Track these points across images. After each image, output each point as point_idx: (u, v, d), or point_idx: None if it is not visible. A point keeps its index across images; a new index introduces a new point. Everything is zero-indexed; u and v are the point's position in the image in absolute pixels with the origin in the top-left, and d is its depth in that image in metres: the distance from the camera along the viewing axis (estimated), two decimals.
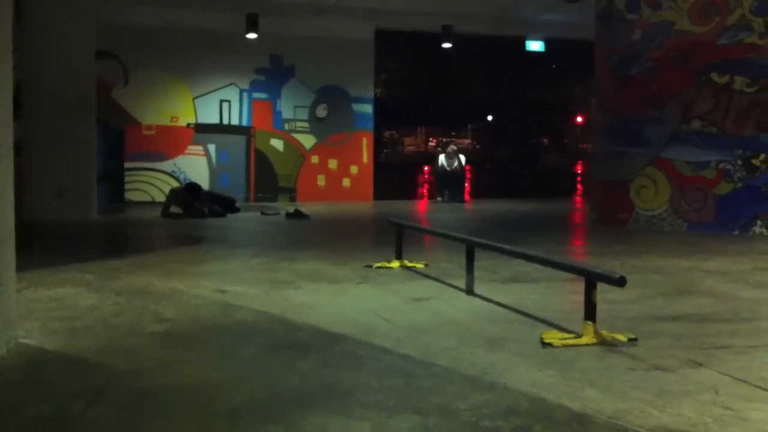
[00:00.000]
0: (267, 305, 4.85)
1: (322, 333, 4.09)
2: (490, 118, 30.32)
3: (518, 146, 26.34)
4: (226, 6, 16.25)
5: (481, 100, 26.85)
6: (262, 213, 13.96)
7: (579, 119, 27.98)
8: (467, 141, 28.63)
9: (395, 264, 6.59)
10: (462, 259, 5.39)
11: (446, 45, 18.08)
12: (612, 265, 6.71)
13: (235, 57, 17.80)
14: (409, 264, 6.61)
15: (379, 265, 6.58)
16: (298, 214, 12.90)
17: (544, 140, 28.76)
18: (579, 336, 3.85)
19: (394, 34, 19.29)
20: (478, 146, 28.69)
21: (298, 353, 3.64)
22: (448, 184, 18.93)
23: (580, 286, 5.18)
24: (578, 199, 20.60)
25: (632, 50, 10.61)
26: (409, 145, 33.59)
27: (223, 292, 5.35)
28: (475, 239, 5.46)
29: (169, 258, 7.43)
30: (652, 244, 8.66)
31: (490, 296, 5.11)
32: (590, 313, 3.84)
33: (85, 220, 11.79)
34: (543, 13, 16.98)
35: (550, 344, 3.76)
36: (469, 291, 5.21)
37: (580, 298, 4.99)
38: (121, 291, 5.36)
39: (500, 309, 4.77)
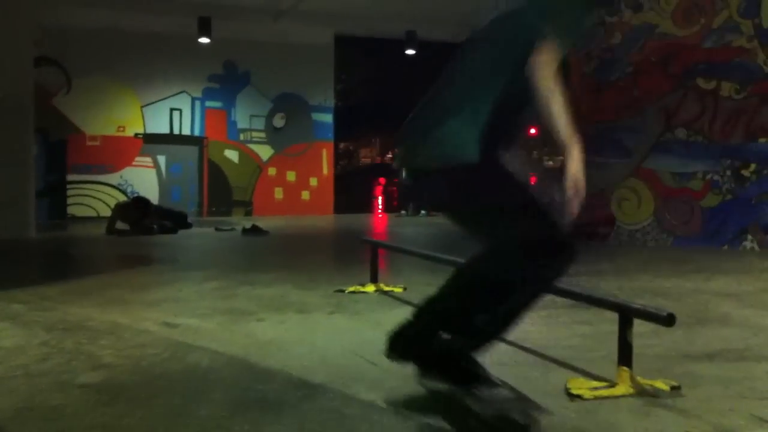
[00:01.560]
0: (226, 344, 4.09)
1: (296, 382, 3.34)
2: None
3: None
4: (176, 8, 15.37)
5: None
6: (217, 229, 13.19)
7: (532, 131, 27.66)
8: None
9: (370, 288, 5.87)
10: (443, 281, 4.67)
11: (410, 51, 17.40)
12: (609, 287, 6.07)
13: (186, 63, 16.96)
14: (386, 288, 5.89)
15: (352, 289, 5.86)
16: (255, 230, 12.17)
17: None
18: (612, 384, 3.15)
19: (354, 40, 18.61)
20: None
21: (268, 414, 2.88)
22: None
23: (586, 314, 4.57)
24: None
25: (611, 54, 10.07)
26: (365, 156, 32.94)
27: (172, 326, 4.57)
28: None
29: (111, 283, 6.64)
30: (641, 262, 8.08)
31: None
32: (626, 356, 3.14)
33: (22, 238, 10.89)
34: None
35: (579, 396, 3.06)
36: None
37: (590, 330, 4.36)
38: (52, 326, 4.55)
39: (503, 345, 4.05)
